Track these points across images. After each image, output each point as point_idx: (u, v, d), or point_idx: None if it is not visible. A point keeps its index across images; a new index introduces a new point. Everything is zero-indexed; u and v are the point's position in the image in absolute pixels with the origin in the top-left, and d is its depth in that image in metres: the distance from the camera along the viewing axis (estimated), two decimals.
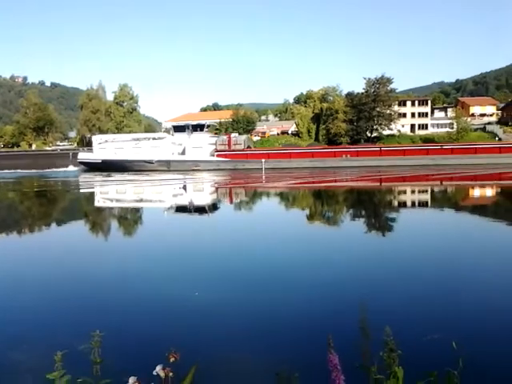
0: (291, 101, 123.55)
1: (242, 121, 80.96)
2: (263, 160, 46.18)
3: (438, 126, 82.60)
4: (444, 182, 30.89)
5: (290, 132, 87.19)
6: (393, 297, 6.61)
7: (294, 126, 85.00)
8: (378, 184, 31.68)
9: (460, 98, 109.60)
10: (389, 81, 72.10)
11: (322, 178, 36.53)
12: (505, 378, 4.13)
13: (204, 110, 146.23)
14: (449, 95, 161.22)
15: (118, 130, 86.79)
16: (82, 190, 32.06)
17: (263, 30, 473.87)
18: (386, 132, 73.30)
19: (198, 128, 52.51)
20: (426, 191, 26.06)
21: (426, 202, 20.86)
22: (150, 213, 19.06)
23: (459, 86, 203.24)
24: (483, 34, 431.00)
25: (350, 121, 72.25)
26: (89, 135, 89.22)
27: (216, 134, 62.57)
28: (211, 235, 12.61)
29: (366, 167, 44.03)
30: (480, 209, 17.97)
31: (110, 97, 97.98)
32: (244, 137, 57.87)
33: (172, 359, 2.17)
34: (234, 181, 37.38)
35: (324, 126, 74.90)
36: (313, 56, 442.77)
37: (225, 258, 9.44)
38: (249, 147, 55.22)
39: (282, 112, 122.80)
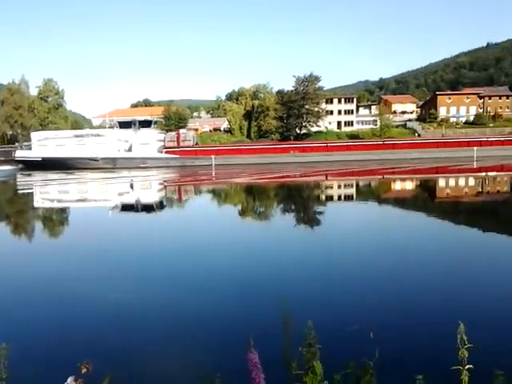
0: (223, 97, 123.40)
1: (174, 117, 79.71)
2: (213, 156, 46.10)
3: (362, 122, 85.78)
4: (386, 176, 32.66)
5: (222, 129, 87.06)
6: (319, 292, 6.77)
7: (227, 122, 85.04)
8: (325, 178, 33.03)
9: (383, 96, 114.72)
10: (317, 79, 74.14)
11: (272, 173, 36.84)
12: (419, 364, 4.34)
13: (135, 106, 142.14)
14: (373, 93, 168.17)
15: (43, 126, 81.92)
16: (21, 191, 30.02)
17: (195, 26, 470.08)
18: (314, 129, 75.38)
19: (146, 124, 51.27)
20: (369, 185, 27.35)
21: (352, 196, 21.78)
22: (93, 212, 18.37)
23: (382, 85, 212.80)
24: (404, 34, 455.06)
25: (280, 118, 73.55)
26: (10, 132, 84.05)
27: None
28: (151, 235, 12.37)
29: (314, 162, 45.19)
30: (403, 200, 19.02)
31: (33, 92, 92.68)
32: (193, 133, 57.16)
33: (84, 370, 2.05)
34: (183, 178, 36.89)
35: (256, 123, 75.66)
36: (243, 52, 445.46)
37: (159, 258, 9.25)
38: (197, 144, 54.74)
39: (215, 109, 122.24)
